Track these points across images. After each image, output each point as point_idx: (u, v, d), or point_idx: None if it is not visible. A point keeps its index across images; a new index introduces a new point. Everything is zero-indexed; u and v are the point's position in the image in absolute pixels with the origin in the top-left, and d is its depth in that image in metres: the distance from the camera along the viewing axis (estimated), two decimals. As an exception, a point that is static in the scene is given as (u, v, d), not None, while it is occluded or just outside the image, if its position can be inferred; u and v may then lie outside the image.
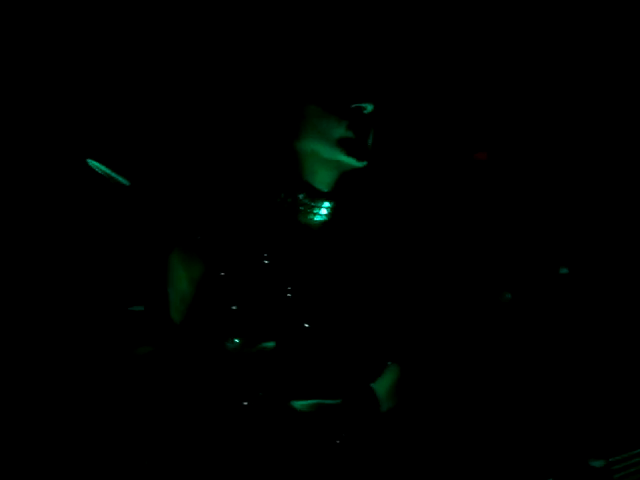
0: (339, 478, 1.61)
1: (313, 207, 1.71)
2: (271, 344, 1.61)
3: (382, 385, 1.73)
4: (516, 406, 2.09)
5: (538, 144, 2.49)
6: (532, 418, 2.05)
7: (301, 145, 1.70)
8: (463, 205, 2.40)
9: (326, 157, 1.70)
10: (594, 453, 1.71)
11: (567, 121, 2.51)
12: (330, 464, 1.61)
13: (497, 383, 2.15)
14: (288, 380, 1.62)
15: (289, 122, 1.69)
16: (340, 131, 1.67)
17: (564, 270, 2.36)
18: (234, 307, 1.62)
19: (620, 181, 2.49)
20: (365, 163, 1.69)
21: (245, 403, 1.59)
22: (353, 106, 1.67)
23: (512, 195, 2.44)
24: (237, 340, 1.60)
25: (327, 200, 1.73)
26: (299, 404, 1.61)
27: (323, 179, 1.73)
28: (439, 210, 2.37)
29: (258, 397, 1.59)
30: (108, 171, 1.69)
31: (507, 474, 1.75)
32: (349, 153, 1.67)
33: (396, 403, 1.76)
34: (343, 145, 1.67)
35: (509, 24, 2.39)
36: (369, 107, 1.68)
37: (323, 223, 1.73)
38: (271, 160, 1.71)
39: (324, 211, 1.73)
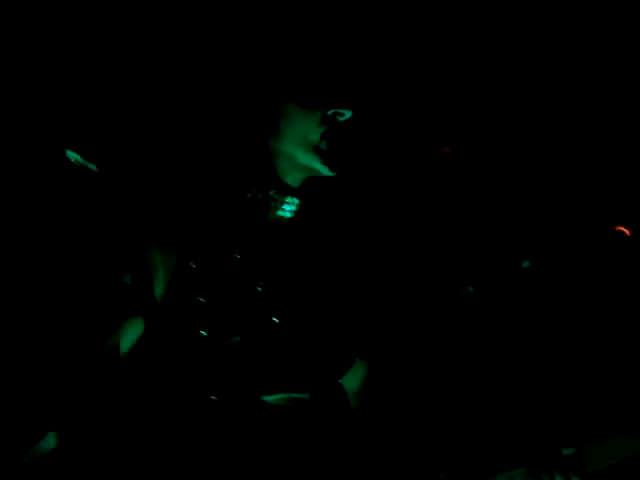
0: (310, 472, 1.62)
1: (283, 203, 1.72)
2: (237, 338, 1.62)
3: (350, 381, 1.75)
4: (487, 398, 2.12)
5: (502, 139, 2.53)
6: (503, 410, 2.08)
7: (279, 146, 1.70)
8: (427, 199, 2.42)
9: (301, 162, 1.71)
10: (566, 442, 1.75)
11: (528, 116, 2.54)
12: (301, 458, 1.62)
13: (466, 376, 2.18)
14: (257, 374, 1.63)
15: (270, 121, 1.69)
16: (317, 137, 1.68)
17: (526, 263, 2.39)
18: (202, 299, 1.62)
19: (581, 175, 2.53)
20: (335, 173, 1.70)
21: (213, 397, 1.59)
22: (330, 112, 1.69)
23: (476, 189, 2.47)
24: (204, 333, 1.60)
25: (297, 197, 1.74)
26: (269, 398, 1.62)
27: (294, 179, 1.74)
28: (404, 204, 2.39)
29: (227, 391, 1.59)
30: (81, 160, 1.68)
31: (481, 464, 1.77)
32: (323, 161, 1.69)
33: (365, 399, 1.78)
34: (319, 152, 1.68)
35: (474, 21, 2.42)
36: (347, 114, 1.70)
37: (292, 219, 1.74)
38: (246, 156, 1.71)
39: (293, 208, 1.74)
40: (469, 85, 2.47)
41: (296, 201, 1.73)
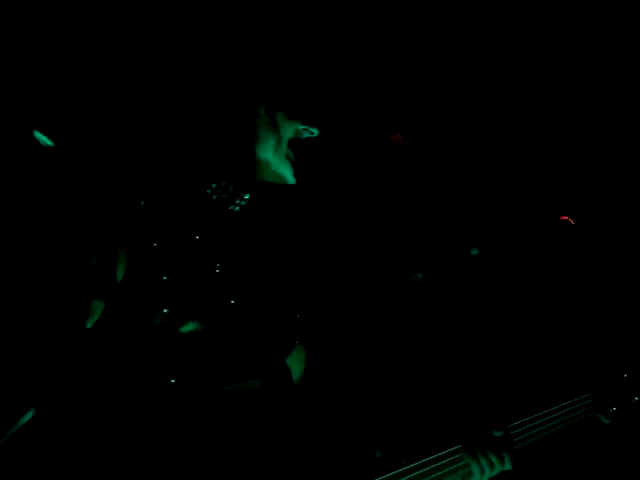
0: (258, 450, 1.65)
1: (241, 198, 1.80)
2: (193, 323, 1.65)
3: (293, 362, 1.81)
4: (426, 382, 2.16)
5: (451, 128, 2.56)
6: (442, 394, 2.13)
7: (259, 153, 1.81)
8: (376, 187, 2.45)
9: (273, 169, 1.83)
10: (495, 425, 1.83)
11: (478, 108, 2.58)
12: (251, 437, 1.65)
13: (407, 360, 2.23)
14: (211, 358, 1.66)
15: (253, 131, 1.78)
16: (286, 148, 1.82)
17: (475, 251, 2.43)
18: (164, 277, 1.67)
19: (527, 166, 2.58)
20: (294, 181, 1.82)
21: (172, 381, 1.62)
22: (301, 128, 1.82)
23: (424, 177, 2.51)
24: (165, 310, 1.64)
25: (250, 194, 1.81)
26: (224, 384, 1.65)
27: (264, 181, 1.84)
28: (353, 191, 2.42)
29: (185, 377, 1.62)
30: (47, 141, 1.71)
31: (420, 445, 1.82)
32: (292, 172, 1.82)
33: (306, 379, 1.84)
34: (289, 162, 1.82)
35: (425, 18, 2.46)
36: (315, 132, 1.84)
37: (240, 212, 1.81)
38: (228, 158, 1.79)
39: (243, 203, 1.81)
40: (417, 75, 2.51)
41: (246, 197, 1.81)
